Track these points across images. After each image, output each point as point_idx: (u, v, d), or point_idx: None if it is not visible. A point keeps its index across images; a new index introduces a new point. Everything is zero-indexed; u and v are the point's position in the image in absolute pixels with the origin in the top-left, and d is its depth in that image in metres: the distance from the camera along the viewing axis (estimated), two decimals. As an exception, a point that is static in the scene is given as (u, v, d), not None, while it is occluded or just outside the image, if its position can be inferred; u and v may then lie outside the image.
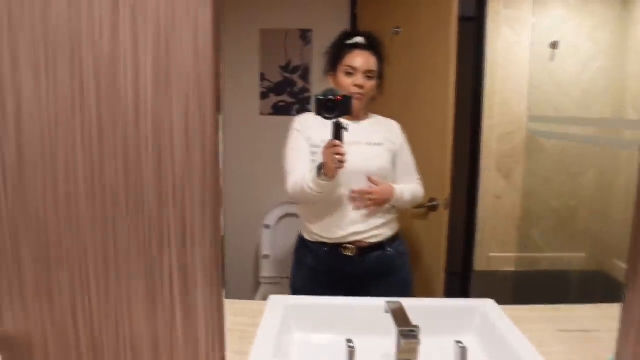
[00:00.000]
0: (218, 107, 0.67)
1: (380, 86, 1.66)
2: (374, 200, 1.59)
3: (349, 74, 1.59)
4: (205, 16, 0.65)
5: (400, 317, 0.91)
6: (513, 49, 2.57)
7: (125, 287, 0.75)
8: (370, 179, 1.59)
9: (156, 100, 0.67)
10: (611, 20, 2.24)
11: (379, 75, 1.64)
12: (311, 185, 1.48)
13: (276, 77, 2.63)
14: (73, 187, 0.70)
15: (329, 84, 1.66)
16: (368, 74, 1.60)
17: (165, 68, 0.66)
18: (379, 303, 1.02)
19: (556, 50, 2.41)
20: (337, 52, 1.64)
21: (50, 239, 0.72)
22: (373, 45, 1.65)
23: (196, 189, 0.69)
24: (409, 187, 1.67)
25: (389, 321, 0.94)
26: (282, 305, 1.17)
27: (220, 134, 0.70)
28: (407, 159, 1.72)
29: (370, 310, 1.14)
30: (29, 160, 0.70)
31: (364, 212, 1.60)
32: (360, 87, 1.58)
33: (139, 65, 0.67)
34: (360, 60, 1.59)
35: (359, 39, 1.64)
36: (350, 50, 1.61)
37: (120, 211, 0.71)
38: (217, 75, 0.65)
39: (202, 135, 0.68)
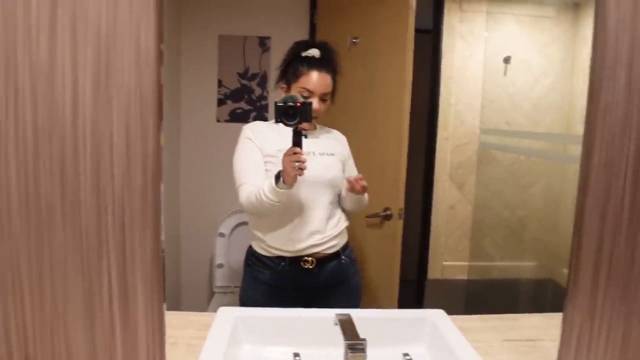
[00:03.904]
0: (160, 117, 0.65)
1: (332, 97, 1.66)
2: (364, 187, 1.57)
3: (304, 96, 1.55)
4: (148, 27, 0.63)
5: (348, 329, 0.91)
6: (467, 63, 2.63)
7: (62, 303, 0.72)
8: (348, 180, 1.58)
9: (95, 112, 0.65)
10: (562, 37, 2.32)
11: (332, 93, 1.64)
12: (268, 194, 1.45)
13: (234, 83, 2.60)
14: (6, 200, 0.67)
15: (281, 94, 1.64)
16: (323, 97, 1.59)
17: (105, 79, 0.64)
18: (329, 315, 1.02)
19: (509, 65, 2.48)
20: (293, 69, 1.60)
21: (-20, 252, 0.69)
22: (329, 60, 1.63)
23: (136, 201, 0.67)
24: None
25: (338, 333, 0.94)
26: (231, 317, 1.15)
27: (162, 139, 0.68)
28: (352, 168, 1.75)
29: (320, 322, 1.13)
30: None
31: (321, 223, 1.59)
32: (316, 111, 1.55)
33: (77, 73, 0.64)
34: (317, 83, 1.56)
35: (314, 52, 1.61)
36: (308, 69, 1.57)
37: (56, 223, 0.68)
38: (159, 85, 0.64)
39: (143, 146, 0.66)
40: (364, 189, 1.57)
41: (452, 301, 2.62)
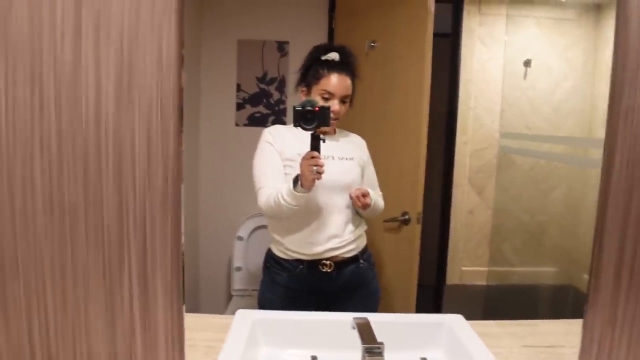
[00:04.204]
0: (181, 118, 0.66)
1: (351, 101, 1.66)
2: (365, 205, 1.58)
3: (324, 98, 1.58)
4: (170, 30, 0.64)
5: (366, 333, 0.91)
6: (487, 66, 2.61)
7: (84, 303, 0.73)
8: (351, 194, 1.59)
9: (117, 114, 0.66)
10: (583, 40, 2.28)
11: (351, 96, 1.65)
12: (287, 198, 1.46)
13: (252, 88, 2.62)
14: (30, 200, 0.69)
15: (301, 97, 1.65)
16: (344, 99, 1.60)
17: (127, 81, 0.65)
18: (347, 318, 1.02)
19: (529, 69, 2.45)
20: (314, 72, 1.61)
21: (6, 254, 0.70)
22: (348, 63, 1.63)
23: (157, 202, 0.68)
24: (375, 196, 1.68)
25: (356, 337, 0.94)
26: (249, 320, 1.16)
27: (182, 142, 0.69)
28: (372, 173, 1.75)
29: (338, 325, 1.13)
30: (-15, 170, 0.68)
31: (339, 226, 1.59)
32: (336, 112, 1.57)
33: (100, 73, 0.66)
34: (337, 85, 1.58)
35: (334, 55, 1.62)
36: (328, 72, 1.59)
37: (79, 226, 0.69)
38: (180, 89, 0.65)
39: (164, 147, 0.67)
40: (364, 206, 1.58)
41: (471, 307, 2.59)
